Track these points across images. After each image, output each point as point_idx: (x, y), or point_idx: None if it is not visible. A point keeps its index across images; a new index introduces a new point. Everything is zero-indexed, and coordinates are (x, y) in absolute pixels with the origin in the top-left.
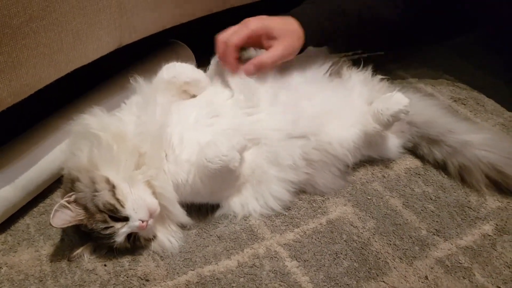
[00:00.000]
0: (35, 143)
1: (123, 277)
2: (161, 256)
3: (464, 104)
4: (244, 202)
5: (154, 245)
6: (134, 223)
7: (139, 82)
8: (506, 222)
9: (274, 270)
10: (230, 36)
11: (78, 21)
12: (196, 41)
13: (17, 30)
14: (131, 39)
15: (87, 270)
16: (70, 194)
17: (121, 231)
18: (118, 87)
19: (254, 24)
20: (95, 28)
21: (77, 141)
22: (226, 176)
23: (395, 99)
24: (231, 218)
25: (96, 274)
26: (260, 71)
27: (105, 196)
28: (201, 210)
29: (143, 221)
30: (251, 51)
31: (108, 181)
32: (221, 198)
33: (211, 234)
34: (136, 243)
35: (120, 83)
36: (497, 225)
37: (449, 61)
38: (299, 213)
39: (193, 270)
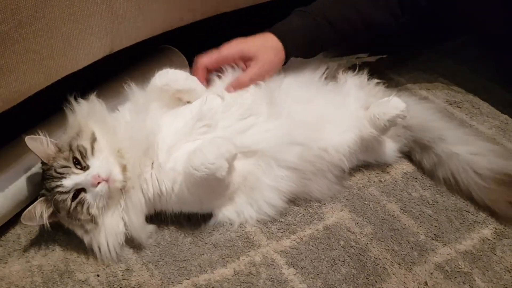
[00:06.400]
0: (25, 152)
1: None
2: (155, 265)
3: (460, 107)
4: (239, 210)
5: (91, 228)
6: (92, 172)
7: (132, 89)
8: (505, 226)
9: (271, 278)
10: (201, 58)
11: (68, 27)
12: (188, 46)
13: (5, 36)
14: (122, 45)
15: (80, 280)
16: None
17: (74, 176)
18: (110, 94)
19: (226, 49)
20: (85, 34)
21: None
22: (213, 185)
23: (392, 103)
24: (227, 226)
25: (89, 285)
26: (240, 89)
27: (83, 141)
28: (195, 217)
29: (99, 176)
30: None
31: (93, 134)
32: (213, 207)
33: (207, 242)
34: (78, 209)
35: (112, 89)
36: (496, 229)
37: (443, 65)
38: (295, 219)
39: (188, 279)
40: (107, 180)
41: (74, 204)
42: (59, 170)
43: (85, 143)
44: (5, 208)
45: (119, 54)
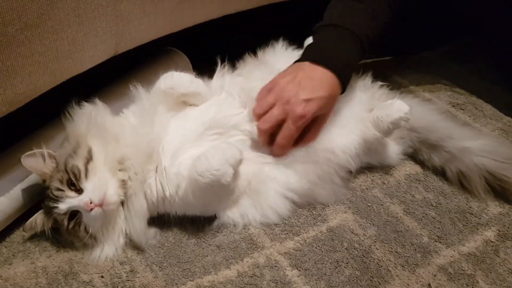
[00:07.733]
0: None
1: None
2: (159, 267)
3: (463, 109)
4: (244, 212)
5: (91, 243)
6: (84, 198)
7: (138, 91)
8: (508, 228)
9: (275, 279)
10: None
11: (73, 29)
12: (192, 48)
13: (11, 38)
14: (127, 47)
15: (84, 282)
16: (56, 151)
17: (68, 200)
18: (113, 96)
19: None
20: (90, 36)
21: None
22: (218, 190)
23: (396, 106)
24: (231, 228)
25: (93, 286)
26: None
27: (78, 161)
28: (199, 219)
29: (91, 202)
30: None
31: (90, 151)
32: (217, 210)
33: (210, 243)
34: (75, 228)
35: (116, 91)
36: (499, 231)
37: (446, 67)
38: (299, 221)
39: (192, 280)
40: (100, 205)
41: (71, 224)
42: (55, 193)
43: (80, 163)
44: (10, 209)
45: (123, 55)
